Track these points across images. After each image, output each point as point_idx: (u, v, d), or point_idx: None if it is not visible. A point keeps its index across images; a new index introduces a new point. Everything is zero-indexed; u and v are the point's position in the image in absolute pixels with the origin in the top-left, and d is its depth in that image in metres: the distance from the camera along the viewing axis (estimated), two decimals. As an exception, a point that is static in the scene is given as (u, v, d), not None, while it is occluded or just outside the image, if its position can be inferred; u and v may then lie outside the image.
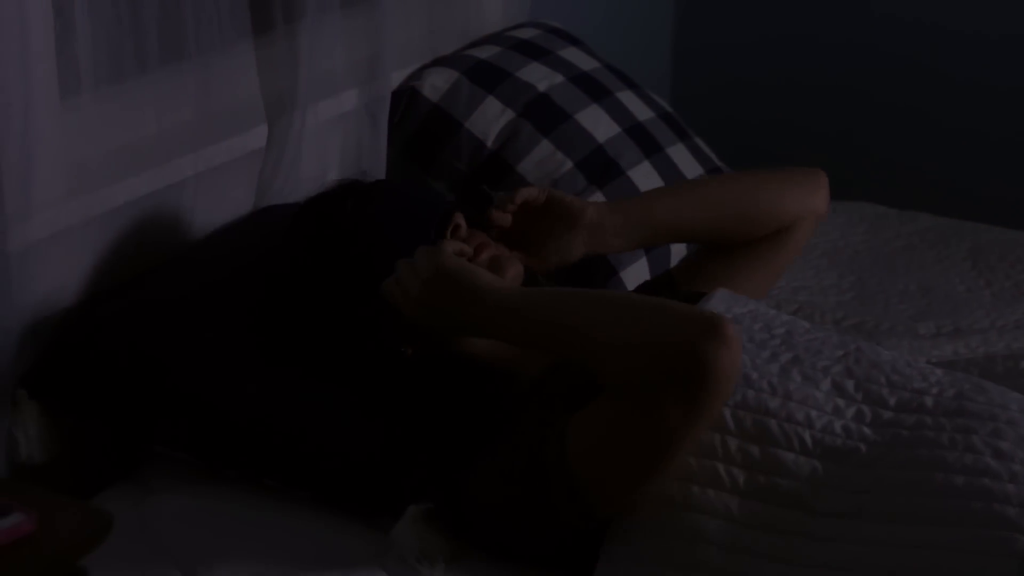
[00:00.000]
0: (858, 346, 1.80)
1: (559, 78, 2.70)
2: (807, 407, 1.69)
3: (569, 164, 2.56)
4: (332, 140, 2.44)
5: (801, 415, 1.69)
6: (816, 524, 1.62)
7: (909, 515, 1.57)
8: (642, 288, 2.19)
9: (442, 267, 1.73)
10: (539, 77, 2.68)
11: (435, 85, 2.60)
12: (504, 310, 1.71)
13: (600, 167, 2.58)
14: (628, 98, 2.75)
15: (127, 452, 2.02)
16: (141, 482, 1.98)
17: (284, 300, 1.97)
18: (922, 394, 1.69)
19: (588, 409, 1.68)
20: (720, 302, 1.87)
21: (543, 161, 2.55)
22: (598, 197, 2.52)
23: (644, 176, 2.61)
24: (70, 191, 1.98)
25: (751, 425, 1.67)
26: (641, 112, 2.74)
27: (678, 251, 2.60)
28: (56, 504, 1.47)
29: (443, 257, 1.74)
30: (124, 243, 2.09)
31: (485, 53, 2.71)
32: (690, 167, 2.71)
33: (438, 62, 2.67)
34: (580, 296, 1.72)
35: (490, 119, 2.58)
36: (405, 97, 2.58)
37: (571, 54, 2.80)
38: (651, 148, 2.67)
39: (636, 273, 2.49)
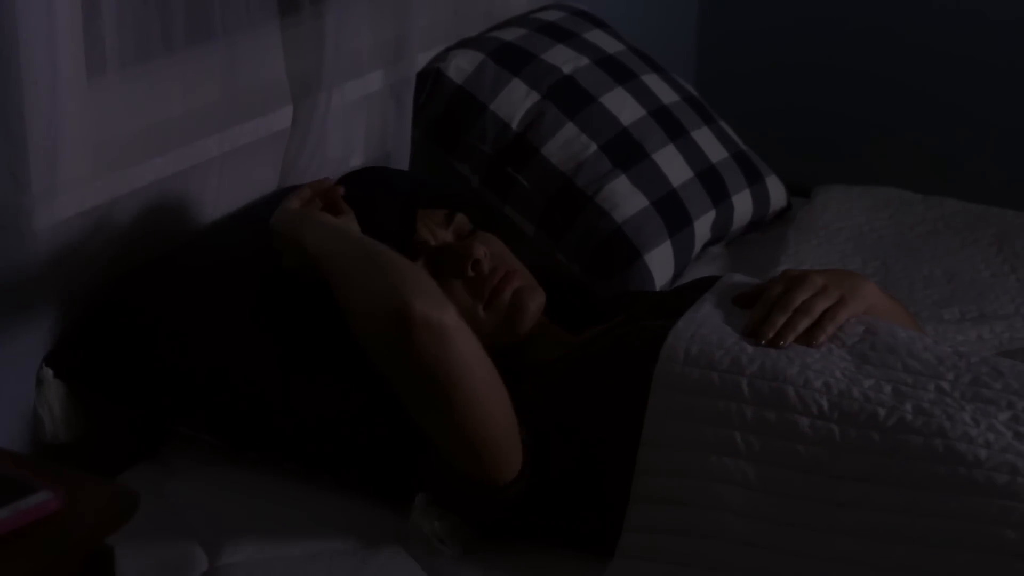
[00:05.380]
0: (872, 329, 1.79)
1: (584, 61, 2.69)
2: (825, 376, 1.69)
3: (594, 147, 2.55)
4: (357, 121, 2.44)
5: (819, 383, 1.68)
6: (835, 488, 1.62)
7: (931, 483, 1.57)
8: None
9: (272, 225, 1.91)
10: (564, 59, 2.67)
11: (460, 67, 2.60)
12: (317, 257, 1.84)
13: (625, 150, 2.57)
14: (653, 81, 2.75)
15: (151, 432, 2.02)
16: (164, 462, 1.98)
17: (299, 287, 1.97)
18: (939, 379, 1.69)
19: None
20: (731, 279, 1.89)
21: (568, 143, 2.55)
22: (622, 180, 2.52)
23: (669, 159, 2.61)
24: (96, 170, 1.98)
25: (768, 392, 1.68)
26: (666, 95, 2.73)
27: (702, 235, 2.60)
28: (83, 482, 1.46)
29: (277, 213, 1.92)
30: (150, 222, 2.09)
31: (510, 35, 2.71)
32: (715, 151, 2.70)
33: (463, 44, 2.67)
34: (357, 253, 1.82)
35: (515, 101, 2.58)
36: (430, 79, 2.58)
37: (596, 37, 2.79)
38: (676, 131, 2.67)
39: (660, 256, 2.48)
